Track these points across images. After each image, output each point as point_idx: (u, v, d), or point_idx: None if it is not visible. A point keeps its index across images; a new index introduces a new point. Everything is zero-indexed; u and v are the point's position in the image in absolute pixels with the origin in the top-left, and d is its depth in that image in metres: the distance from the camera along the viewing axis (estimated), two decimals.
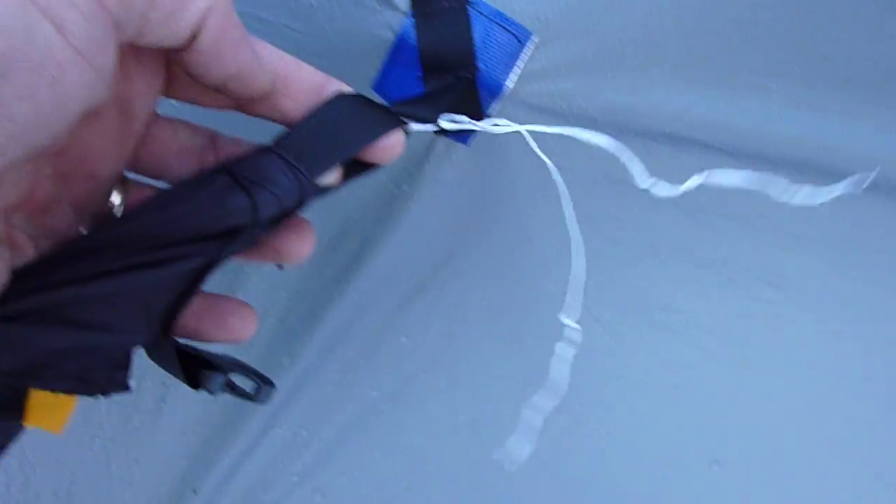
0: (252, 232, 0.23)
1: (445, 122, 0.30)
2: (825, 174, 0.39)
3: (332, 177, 0.26)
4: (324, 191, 0.26)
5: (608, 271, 0.45)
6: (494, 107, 0.36)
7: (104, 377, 0.23)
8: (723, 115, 0.37)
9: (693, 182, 0.28)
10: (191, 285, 0.24)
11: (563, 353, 0.33)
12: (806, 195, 0.28)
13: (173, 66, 0.24)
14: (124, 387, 0.24)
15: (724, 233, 0.44)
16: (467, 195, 0.43)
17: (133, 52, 0.22)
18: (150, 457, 0.56)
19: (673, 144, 0.38)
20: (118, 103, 0.23)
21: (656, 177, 0.38)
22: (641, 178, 0.29)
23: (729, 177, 0.28)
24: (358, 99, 0.26)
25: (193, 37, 0.21)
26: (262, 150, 0.24)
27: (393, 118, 0.27)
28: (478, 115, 0.36)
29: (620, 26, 0.36)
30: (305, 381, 0.50)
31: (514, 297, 0.47)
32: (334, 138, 0.25)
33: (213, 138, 0.27)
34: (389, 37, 0.35)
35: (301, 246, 0.27)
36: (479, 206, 0.44)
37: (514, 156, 0.40)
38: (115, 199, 0.25)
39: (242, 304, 0.27)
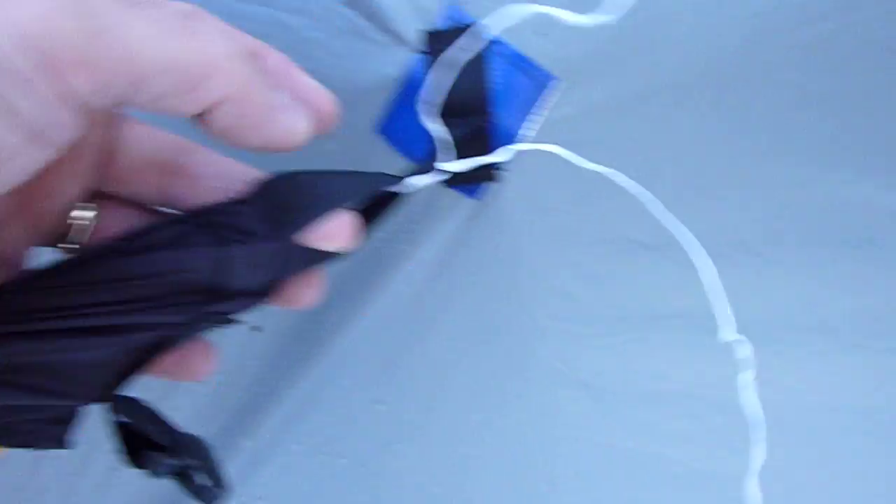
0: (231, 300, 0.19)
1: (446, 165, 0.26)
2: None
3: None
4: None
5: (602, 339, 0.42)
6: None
7: (36, 430, 0.21)
8: (736, 166, 0.34)
9: None
10: (146, 356, 0.20)
11: (744, 379, 0.28)
12: None
13: None
14: (60, 443, 0.21)
15: None
16: (465, 254, 0.40)
17: None
18: None
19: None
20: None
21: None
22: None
23: None
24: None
25: (203, 113, 0.18)
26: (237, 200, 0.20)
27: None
28: (487, 173, 0.32)
29: (650, 69, 0.32)
30: (270, 450, 0.45)
31: (502, 363, 0.43)
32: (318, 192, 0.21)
33: (184, 148, 0.23)
34: (396, 75, 0.31)
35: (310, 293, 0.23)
36: (474, 265, 0.41)
37: (518, 212, 0.36)
38: (85, 214, 0.22)
39: (205, 343, 0.24)
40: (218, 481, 0.23)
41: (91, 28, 0.15)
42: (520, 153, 0.33)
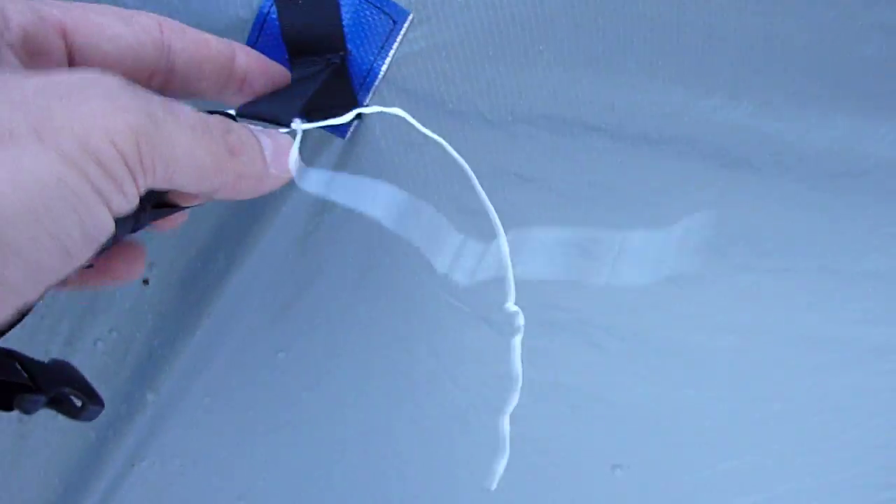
0: None
1: (299, 124, 0.27)
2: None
3: None
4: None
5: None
6: (368, 93, 0.34)
7: None
8: (606, 94, 0.37)
9: None
10: None
11: (516, 344, 0.31)
12: None
13: None
14: None
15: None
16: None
17: None
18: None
19: (553, 130, 0.36)
20: None
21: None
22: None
23: None
24: None
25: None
26: None
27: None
28: (351, 103, 0.33)
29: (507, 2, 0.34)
30: (175, 404, 0.45)
31: (397, 303, 0.45)
32: None
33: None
34: (249, 16, 0.32)
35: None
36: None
37: (388, 148, 0.38)
38: None
39: (130, 245, 0.26)
40: (92, 398, 0.24)
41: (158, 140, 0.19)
42: (378, 87, 0.34)
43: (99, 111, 0.18)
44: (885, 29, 0.36)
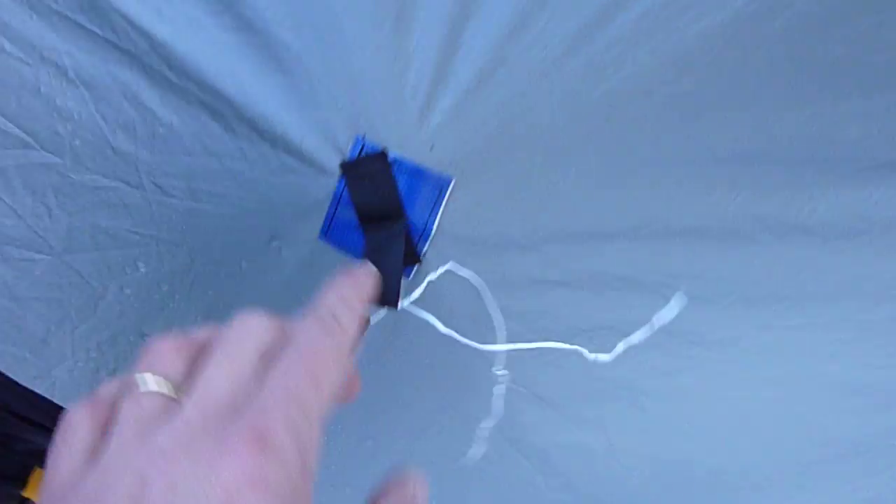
0: None
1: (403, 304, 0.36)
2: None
3: None
4: None
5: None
6: (426, 244, 0.42)
7: None
8: (620, 205, 0.44)
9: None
10: None
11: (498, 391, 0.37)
12: None
13: None
14: None
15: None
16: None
17: None
18: None
19: (575, 241, 0.44)
20: None
21: None
22: None
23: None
24: None
25: None
26: None
27: None
28: (413, 257, 0.41)
29: (526, 157, 0.42)
30: None
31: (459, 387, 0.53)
32: None
33: None
34: (326, 197, 0.40)
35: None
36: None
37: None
38: None
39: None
40: None
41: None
42: (433, 237, 0.42)
43: None
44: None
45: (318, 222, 0.41)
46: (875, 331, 0.52)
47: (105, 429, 0.23)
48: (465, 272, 0.38)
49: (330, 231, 0.41)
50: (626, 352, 0.53)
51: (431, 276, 0.37)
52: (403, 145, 0.40)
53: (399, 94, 0.38)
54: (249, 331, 0.24)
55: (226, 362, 0.23)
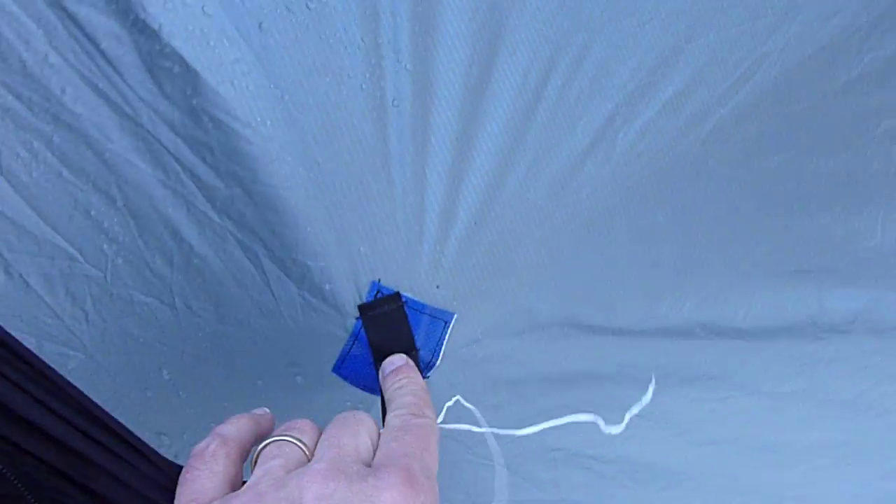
0: None
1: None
2: None
3: None
4: None
5: None
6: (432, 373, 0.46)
7: None
8: (604, 299, 0.51)
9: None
10: None
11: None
12: None
13: None
14: None
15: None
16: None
17: None
18: None
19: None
20: None
21: None
22: None
23: None
24: None
25: None
26: None
27: None
28: None
29: (515, 288, 0.47)
30: None
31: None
32: None
33: None
34: (343, 334, 0.44)
35: None
36: None
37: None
38: None
39: None
40: None
41: None
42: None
43: None
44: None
45: (333, 355, 0.45)
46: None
47: (238, 464, 0.30)
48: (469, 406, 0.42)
49: (343, 366, 0.45)
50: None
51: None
52: (413, 287, 0.44)
53: (416, 244, 0.43)
54: (359, 419, 0.31)
55: (347, 434, 0.29)
